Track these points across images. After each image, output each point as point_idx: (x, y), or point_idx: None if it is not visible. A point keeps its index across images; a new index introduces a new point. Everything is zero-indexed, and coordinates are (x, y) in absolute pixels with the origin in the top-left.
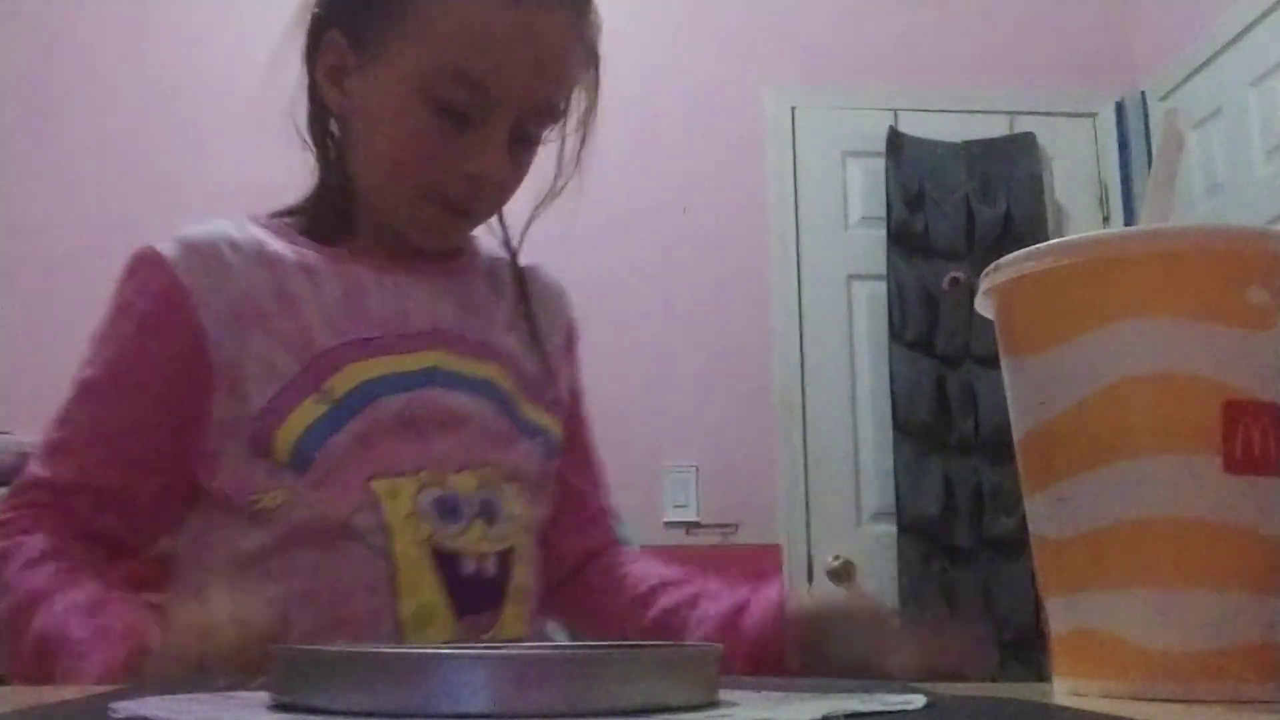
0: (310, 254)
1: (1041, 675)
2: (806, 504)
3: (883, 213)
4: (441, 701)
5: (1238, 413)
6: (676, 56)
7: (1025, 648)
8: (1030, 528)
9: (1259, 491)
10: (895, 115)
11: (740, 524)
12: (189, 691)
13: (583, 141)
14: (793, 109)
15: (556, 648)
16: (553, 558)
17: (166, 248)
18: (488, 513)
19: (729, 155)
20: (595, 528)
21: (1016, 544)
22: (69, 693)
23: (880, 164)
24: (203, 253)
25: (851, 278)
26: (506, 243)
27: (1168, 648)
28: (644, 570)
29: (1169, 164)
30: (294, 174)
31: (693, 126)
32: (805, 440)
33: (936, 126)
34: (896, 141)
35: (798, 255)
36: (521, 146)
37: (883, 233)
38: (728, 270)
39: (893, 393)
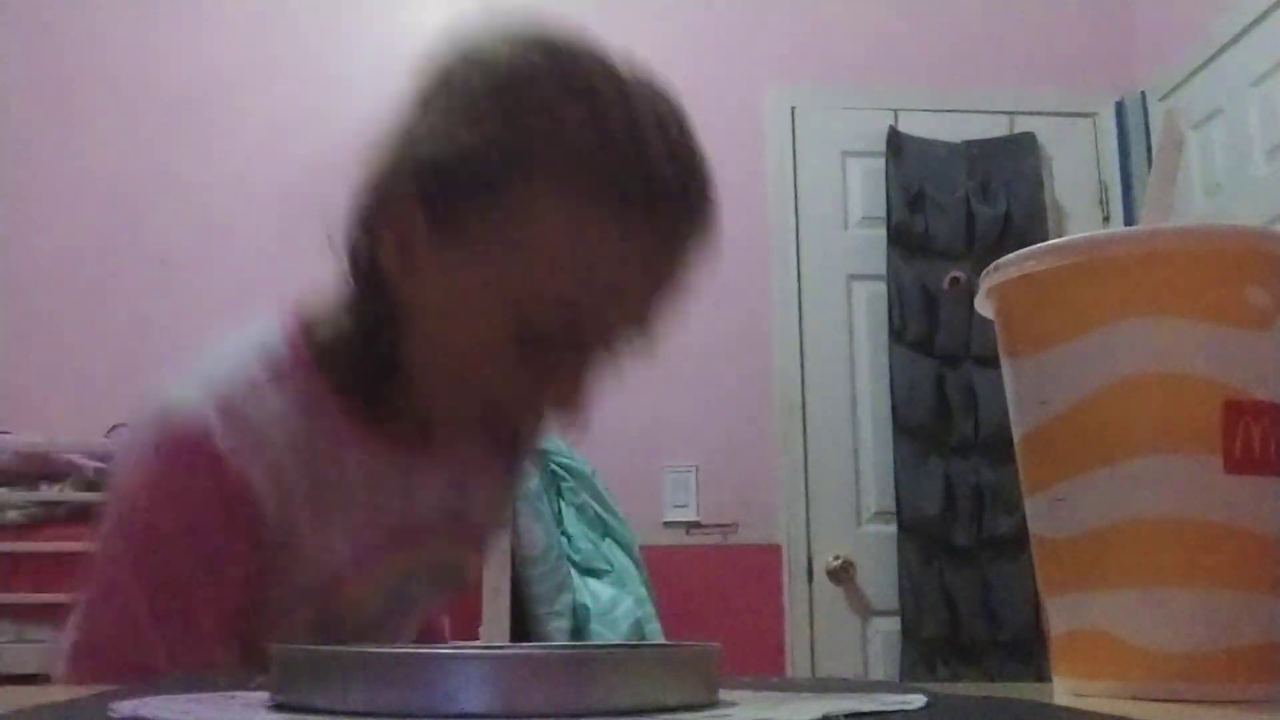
0: (345, 438)
1: (1041, 675)
2: (806, 504)
3: (883, 213)
4: (441, 701)
5: (1238, 413)
6: (676, 56)
7: (1025, 648)
8: (1030, 528)
9: (1259, 491)
10: (895, 115)
11: (740, 524)
12: (189, 691)
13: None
14: (793, 109)
15: (556, 648)
16: None
17: (224, 437)
18: None
19: (729, 155)
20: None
21: (1016, 544)
22: (69, 693)
23: (880, 164)
24: (261, 449)
25: (851, 278)
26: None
27: (1168, 648)
28: None
29: (1169, 164)
30: (295, 178)
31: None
32: (805, 440)
33: (936, 126)
34: (896, 141)
35: (798, 255)
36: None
37: (883, 233)
38: (728, 270)
39: (893, 393)
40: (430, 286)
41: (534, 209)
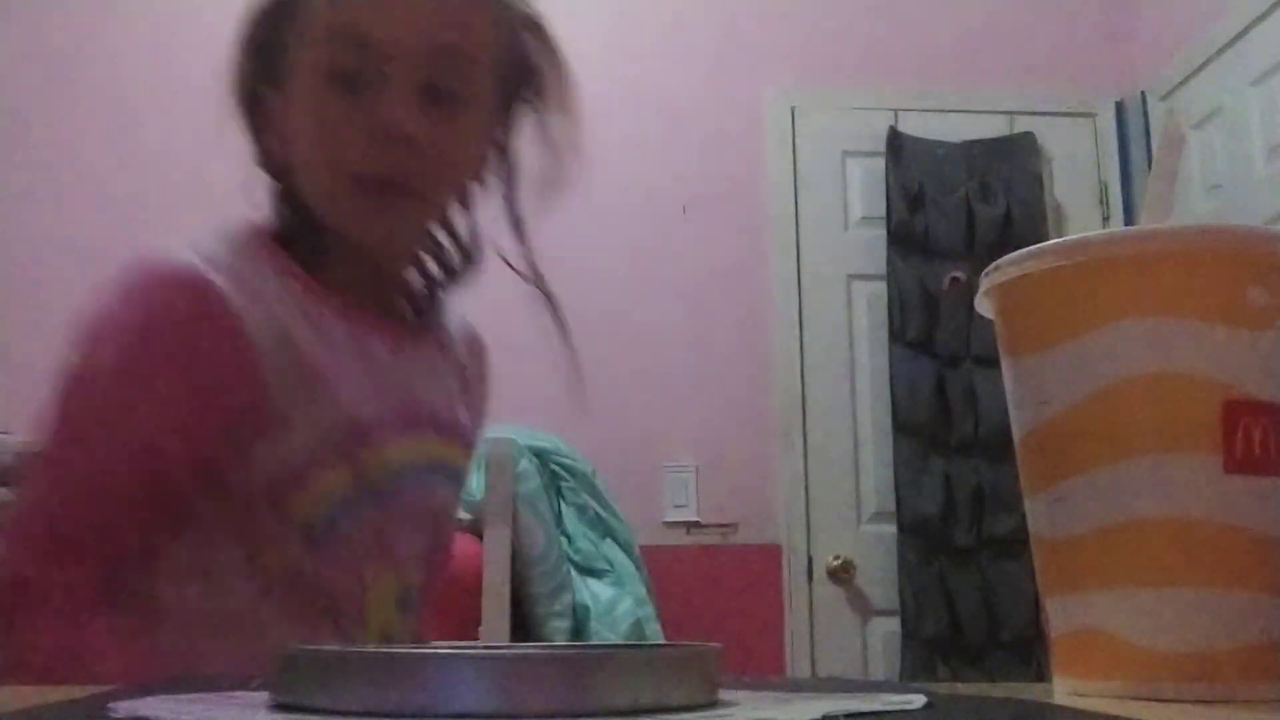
0: (326, 311)
1: (1041, 675)
2: (806, 504)
3: (883, 213)
4: (441, 701)
5: (1238, 413)
6: (677, 56)
7: (1025, 648)
8: (1030, 528)
9: (1259, 491)
10: (895, 115)
11: (740, 524)
12: (189, 691)
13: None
14: (793, 109)
15: (556, 648)
16: None
17: (216, 277)
18: (407, 604)
19: (729, 155)
20: None
21: (1016, 544)
22: (69, 693)
23: (880, 164)
24: (253, 294)
25: (851, 278)
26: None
27: (1168, 648)
28: None
29: (1169, 164)
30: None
31: (693, 126)
32: (805, 440)
33: (936, 126)
34: (896, 141)
35: (798, 255)
36: (444, 107)
37: (883, 233)
38: (728, 270)
39: (893, 393)
40: (282, 119)
41: None
